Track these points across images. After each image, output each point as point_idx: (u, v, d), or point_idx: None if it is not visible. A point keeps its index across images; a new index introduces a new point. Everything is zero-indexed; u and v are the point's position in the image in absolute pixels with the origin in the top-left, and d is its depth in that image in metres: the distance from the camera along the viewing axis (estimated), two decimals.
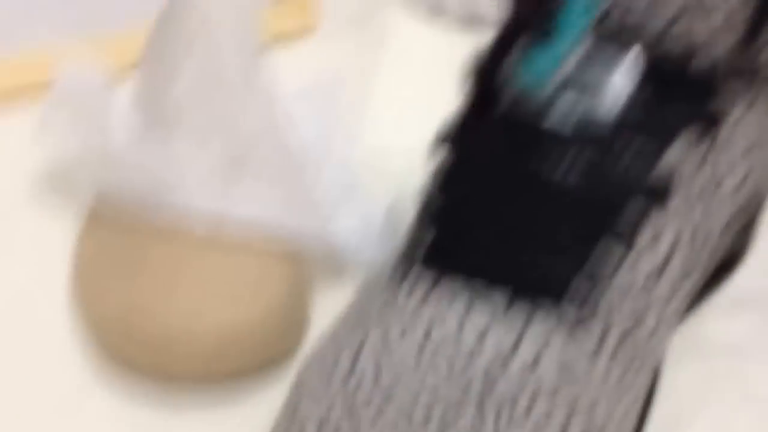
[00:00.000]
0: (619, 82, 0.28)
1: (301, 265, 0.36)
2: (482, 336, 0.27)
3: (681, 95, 0.28)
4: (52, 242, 0.39)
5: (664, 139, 0.28)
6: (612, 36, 0.28)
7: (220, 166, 0.35)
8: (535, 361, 0.26)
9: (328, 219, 0.36)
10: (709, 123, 0.29)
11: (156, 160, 0.36)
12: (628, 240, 0.28)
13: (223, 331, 0.33)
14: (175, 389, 0.34)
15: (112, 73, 0.40)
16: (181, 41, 0.36)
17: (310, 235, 0.35)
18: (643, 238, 0.28)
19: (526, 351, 0.26)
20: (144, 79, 0.38)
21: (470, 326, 0.27)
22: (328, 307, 0.33)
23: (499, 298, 0.27)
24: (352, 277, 0.36)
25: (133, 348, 0.34)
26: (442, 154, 0.30)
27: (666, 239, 0.28)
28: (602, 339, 0.27)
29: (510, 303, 0.27)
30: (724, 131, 0.30)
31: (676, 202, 0.29)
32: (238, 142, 0.36)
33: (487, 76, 0.29)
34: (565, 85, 0.28)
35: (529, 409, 0.26)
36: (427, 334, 0.27)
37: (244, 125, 0.36)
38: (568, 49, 0.28)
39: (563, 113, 0.28)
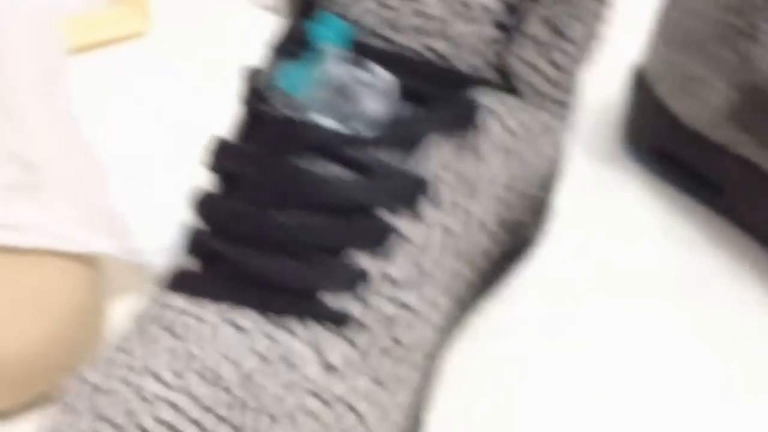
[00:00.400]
0: (371, 98, 0.29)
1: (93, 270, 0.36)
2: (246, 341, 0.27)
3: (434, 107, 0.29)
4: None
5: (414, 150, 0.29)
6: (363, 56, 0.29)
7: (8, 190, 0.35)
8: (301, 364, 0.27)
9: (125, 235, 0.36)
10: (462, 132, 0.30)
11: None
12: (378, 248, 0.28)
13: (20, 359, 0.33)
14: None
15: None
16: None
17: (101, 246, 0.35)
18: (394, 244, 0.29)
19: (290, 355, 0.27)
20: None
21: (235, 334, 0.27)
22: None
23: (252, 311, 0.28)
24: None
25: None
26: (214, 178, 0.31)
27: (416, 244, 0.29)
28: (363, 340, 0.28)
29: (263, 314, 0.28)
30: (478, 140, 0.31)
31: (428, 210, 0.29)
32: (29, 168, 0.36)
33: (254, 95, 0.30)
34: (320, 104, 0.29)
35: (297, 407, 0.27)
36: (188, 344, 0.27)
37: (35, 151, 0.36)
38: (323, 70, 0.29)
39: (325, 120, 0.29)
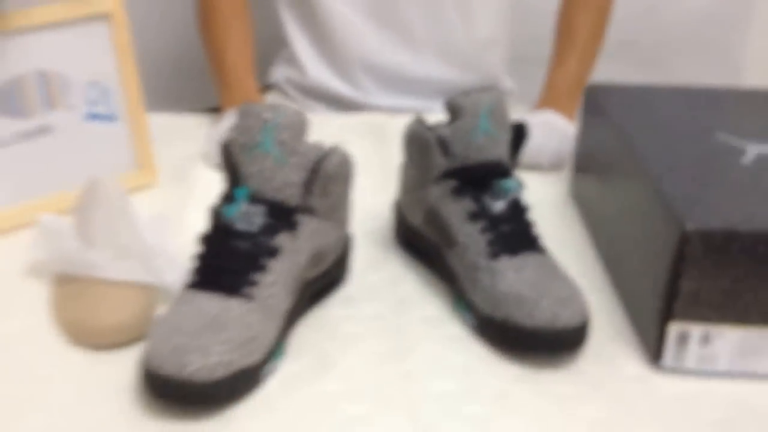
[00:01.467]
0: (257, 217, 0.82)
1: (150, 291, 0.88)
2: (216, 305, 0.79)
3: (281, 221, 0.83)
4: (42, 290, 0.91)
5: (273, 234, 0.83)
6: (255, 201, 0.83)
7: (109, 256, 0.87)
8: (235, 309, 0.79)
9: (160, 273, 0.89)
10: (292, 228, 0.84)
11: (83, 256, 0.88)
12: (263, 270, 0.81)
13: (115, 326, 0.85)
14: (99, 352, 0.85)
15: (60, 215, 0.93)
16: (93, 201, 0.89)
17: (152, 279, 0.88)
18: (269, 268, 0.82)
19: (230, 307, 0.80)
20: (76, 222, 0.90)
21: (212, 303, 0.80)
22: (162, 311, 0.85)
23: (220, 294, 0.80)
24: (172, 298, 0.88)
25: (78, 335, 0.86)
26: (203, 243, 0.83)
27: (277, 269, 0.82)
28: (257, 305, 0.81)
29: (224, 297, 0.80)
30: (300, 230, 0.84)
31: (282, 256, 0.83)
32: (120, 243, 0.88)
33: (214, 216, 0.84)
34: (239, 220, 0.82)
35: (229, 327, 0.78)
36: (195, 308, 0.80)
37: (124, 238, 0.89)
38: (239, 207, 0.82)
39: (240, 226, 0.82)
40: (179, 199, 1.08)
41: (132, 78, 1.08)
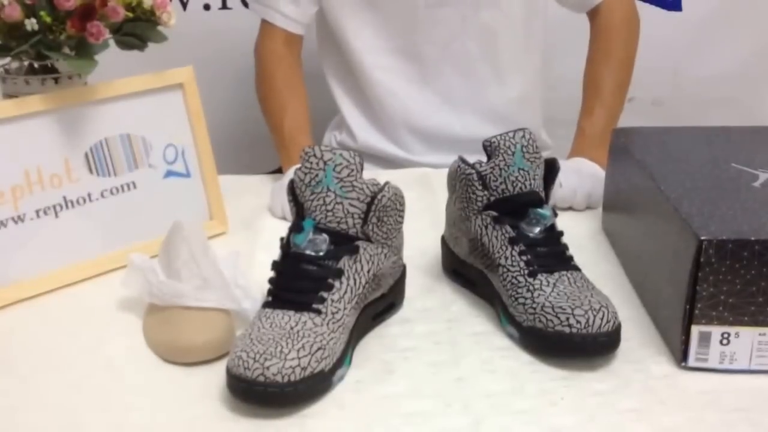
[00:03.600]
0: (322, 244, 0.95)
1: (230, 315, 1.01)
2: (290, 320, 0.92)
3: (343, 246, 0.96)
4: (136, 319, 1.05)
5: (336, 258, 0.95)
6: (319, 231, 0.96)
7: (192, 287, 1.01)
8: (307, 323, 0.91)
9: (238, 300, 1.02)
10: (353, 253, 0.96)
11: (171, 288, 1.01)
12: (328, 289, 0.93)
13: (203, 345, 0.98)
14: (189, 366, 0.97)
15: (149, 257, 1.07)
16: (177, 240, 1.03)
17: (231, 306, 1.01)
18: (335, 287, 0.94)
19: (302, 321, 0.92)
20: (162, 260, 1.04)
21: (286, 318, 0.92)
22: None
23: (293, 311, 0.92)
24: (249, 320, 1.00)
25: (171, 354, 0.98)
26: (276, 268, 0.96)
27: (342, 288, 0.94)
28: (323, 319, 0.93)
29: (297, 312, 0.92)
30: (360, 254, 0.97)
31: (345, 276, 0.95)
32: (202, 276, 1.02)
33: (287, 243, 0.97)
34: (307, 246, 0.95)
35: (303, 337, 0.90)
36: (271, 323, 0.92)
37: (205, 272, 1.02)
38: (306, 236, 0.95)
39: (308, 252, 0.95)
40: (248, 243, 1.21)
41: (204, 140, 1.22)
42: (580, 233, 1.24)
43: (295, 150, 1.40)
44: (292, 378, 0.86)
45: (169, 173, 1.20)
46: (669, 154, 1.12)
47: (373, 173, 1.49)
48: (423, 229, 1.20)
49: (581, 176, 1.34)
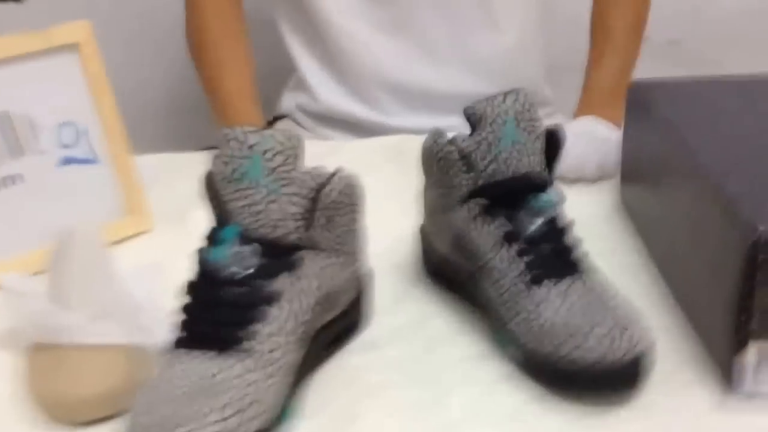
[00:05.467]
0: (250, 257, 0.73)
1: (138, 354, 0.79)
2: (210, 365, 0.70)
3: (281, 260, 0.74)
4: (14, 361, 0.83)
5: (271, 276, 0.73)
6: (247, 240, 0.73)
7: (86, 317, 0.79)
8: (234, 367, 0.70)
9: (149, 331, 0.80)
10: (295, 268, 0.74)
11: (56, 318, 0.79)
12: (261, 319, 0.72)
13: (95, 398, 0.76)
14: (82, 426, 0.76)
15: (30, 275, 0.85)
16: (66, 254, 0.81)
17: (140, 340, 0.79)
18: (271, 315, 0.72)
19: (227, 365, 0.70)
20: (49, 279, 0.82)
21: (205, 363, 0.71)
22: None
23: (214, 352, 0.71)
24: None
25: (54, 410, 0.77)
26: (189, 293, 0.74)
27: (281, 316, 0.73)
28: (256, 360, 0.72)
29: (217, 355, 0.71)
30: (303, 269, 0.75)
31: (285, 299, 0.74)
32: (99, 301, 0.80)
33: (200, 259, 0.75)
34: (228, 262, 0.73)
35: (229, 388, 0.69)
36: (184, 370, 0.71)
37: (103, 295, 0.80)
38: (229, 247, 0.73)
39: (232, 269, 0.73)
40: (176, 245, 0.99)
41: (111, 114, 1.00)
42: (593, 211, 1.06)
43: (238, 118, 1.23)
44: None
45: (67, 160, 0.99)
46: (702, 113, 0.93)
47: (337, 143, 1.29)
48: (395, 217, 1.00)
49: (591, 141, 1.15)
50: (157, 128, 1.65)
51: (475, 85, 1.39)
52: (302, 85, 1.46)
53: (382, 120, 1.42)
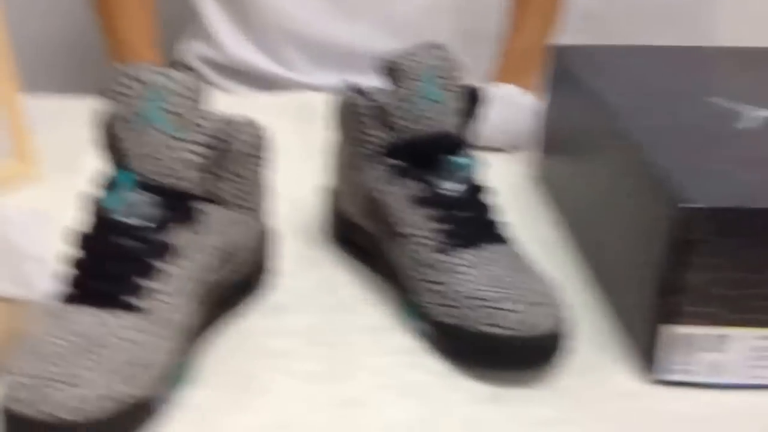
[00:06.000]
0: (146, 207, 0.67)
1: (14, 306, 0.73)
2: (93, 321, 0.64)
3: (179, 211, 0.68)
4: None
5: (168, 229, 0.68)
6: (141, 187, 0.68)
7: None
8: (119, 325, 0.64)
9: (30, 282, 0.73)
10: (192, 220, 0.69)
11: None
12: (155, 275, 0.66)
13: None
14: None
15: None
16: None
17: (18, 291, 0.73)
18: (163, 271, 0.67)
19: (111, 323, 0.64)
20: None
21: (88, 318, 0.65)
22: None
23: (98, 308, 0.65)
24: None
25: None
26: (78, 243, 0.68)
27: (173, 272, 0.68)
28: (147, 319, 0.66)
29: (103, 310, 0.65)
30: (202, 222, 0.70)
31: (179, 255, 0.68)
32: None
33: (93, 208, 0.69)
34: (122, 210, 0.67)
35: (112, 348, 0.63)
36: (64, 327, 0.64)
37: None
38: (122, 194, 0.68)
39: (123, 219, 0.67)
40: (65, 193, 0.93)
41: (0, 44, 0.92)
42: (509, 182, 1.03)
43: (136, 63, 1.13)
44: (92, 414, 0.60)
45: None
46: (628, 81, 0.90)
47: (240, 97, 1.23)
48: (301, 177, 0.95)
49: (508, 107, 1.11)
50: (51, 71, 1.56)
51: (387, 44, 1.34)
52: (204, 34, 1.40)
53: (290, 75, 1.38)
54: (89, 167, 0.90)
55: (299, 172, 0.96)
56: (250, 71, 1.38)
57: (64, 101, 1.18)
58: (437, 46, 0.78)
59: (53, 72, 1.58)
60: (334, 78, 1.33)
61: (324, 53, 1.37)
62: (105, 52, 1.26)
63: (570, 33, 1.36)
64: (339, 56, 1.37)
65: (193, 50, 1.42)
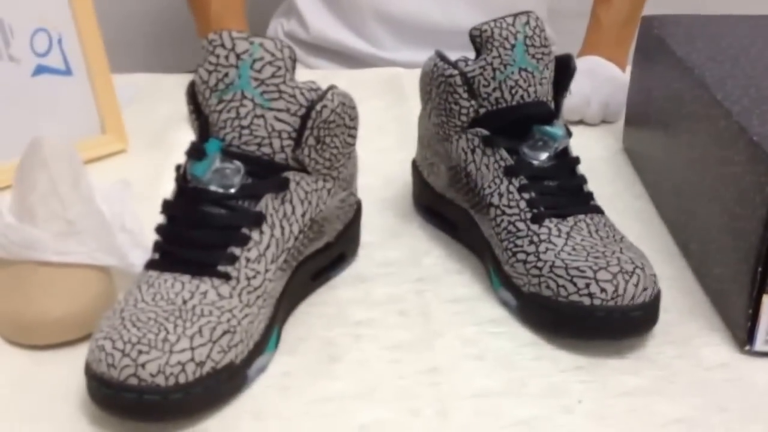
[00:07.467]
0: (234, 175, 0.67)
1: (108, 275, 0.73)
2: (183, 289, 0.65)
3: (265, 176, 0.68)
4: None
5: (253, 198, 0.68)
6: (230, 156, 0.68)
7: (52, 234, 0.73)
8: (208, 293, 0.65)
9: (122, 253, 0.74)
10: (281, 189, 0.69)
11: (21, 234, 0.73)
12: (241, 243, 0.66)
13: (60, 320, 0.70)
14: (43, 350, 0.71)
15: None
16: (35, 166, 0.75)
17: (111, 261, 0.73)
18: (252, 239, 0.67)
19: (201, 291, 0.65)
20: (15, 193, 0.76)
21: (178, 286, 0.65)
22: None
23: (189, 276, 0.65)
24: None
25: (15, 331, 0.71)
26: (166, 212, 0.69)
27: (263, 241, 0.68)
28: (233, 287, 0.66)
29: (194, 278, 0.65)
30: (290, 191, 0.69)
31: (268, 224, 0.68)
32: (68, 218, 0.74)
33: (181, 177, 0.69)
34: (211, 180, 0.67)
35: (201, 315, 0.64)
36: (155, 294, 0.65)
37: (72, 211, 0.74)
38: (210, 162, 0.68)
39: (213, 188, 0.67)
40: (155, 168, 0.94)
41: (90, 24, 0.94)
42: (594, 156, 1.01)
43: None
44: (182, 379, 0.60)
45: (41, 69, 0.92)
46: (720, 50, 0.88)
47: (327, 72, 1.22)
48: (388, 150, 0.95)
49: (596, 80, 1.10)
50: (139, 48, 1.57)
51: (473, 21, 1.33)
52: (292, 12, 1.40)
53: (376, 52, 1.37)
54: (179, 142, 0.91)
55: (386, 143, 0.95)
56: (335, 48, 1.38)
57: (153, 78, 1.20)
58: (528, 14, 0.77)
59: (142, 49, 1.58)
60: (418, 55, 1.32)
61: (410, 30, 1.36)
62: (194, 30, 1.26)
63: (660, 3, 1.33)
64: (427, 33, 1.35)
65: (280, 27, 1.42)
